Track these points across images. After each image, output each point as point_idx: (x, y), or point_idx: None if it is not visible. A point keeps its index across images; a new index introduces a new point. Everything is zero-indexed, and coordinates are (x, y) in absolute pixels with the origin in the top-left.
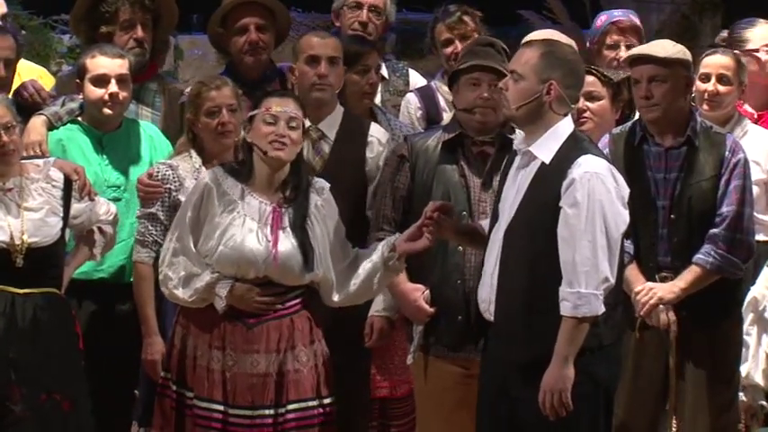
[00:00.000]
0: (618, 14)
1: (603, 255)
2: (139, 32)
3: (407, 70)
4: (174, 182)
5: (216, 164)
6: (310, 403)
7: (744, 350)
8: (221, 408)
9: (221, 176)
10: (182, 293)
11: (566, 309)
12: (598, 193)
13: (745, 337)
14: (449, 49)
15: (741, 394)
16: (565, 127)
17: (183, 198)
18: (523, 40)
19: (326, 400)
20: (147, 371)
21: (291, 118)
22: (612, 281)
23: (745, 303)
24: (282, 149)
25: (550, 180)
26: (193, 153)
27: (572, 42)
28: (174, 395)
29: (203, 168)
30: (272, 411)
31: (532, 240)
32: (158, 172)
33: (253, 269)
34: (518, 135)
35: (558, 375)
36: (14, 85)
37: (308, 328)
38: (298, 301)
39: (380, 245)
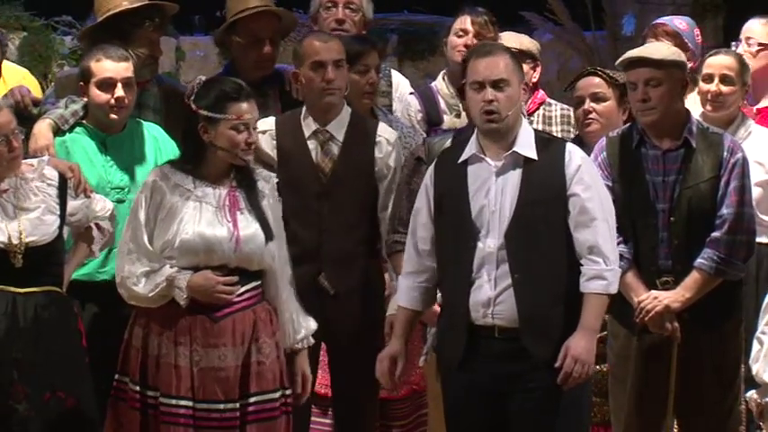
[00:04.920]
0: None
1: (614, 232)
2: (157, 50)
3: (390, 71)
4: None
5: None
6: (271, 396)
7: (759, 347)
8: (189, 404)
9: (169, 171)
10: (141, 289)
11: (601, 286)
12: (597, 176)
13: (760, 335)
14: (461, 40)
15: (754, 392)
16: (525, 121)
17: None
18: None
19: (288, 392)
20: None
21: (255, 120)
22: None
23: (764, 305)
24: (251, 154)
25: (546, 174)
26: None
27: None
28: (136, 396)
29: None
30: (238, 405)
31: (544, 237)
32: None
33: (216, 255)
34: (471, 144)
35: (589, 347)
36: None
37: (269, 319)
38: (257, 292)
39: (299, 335)
